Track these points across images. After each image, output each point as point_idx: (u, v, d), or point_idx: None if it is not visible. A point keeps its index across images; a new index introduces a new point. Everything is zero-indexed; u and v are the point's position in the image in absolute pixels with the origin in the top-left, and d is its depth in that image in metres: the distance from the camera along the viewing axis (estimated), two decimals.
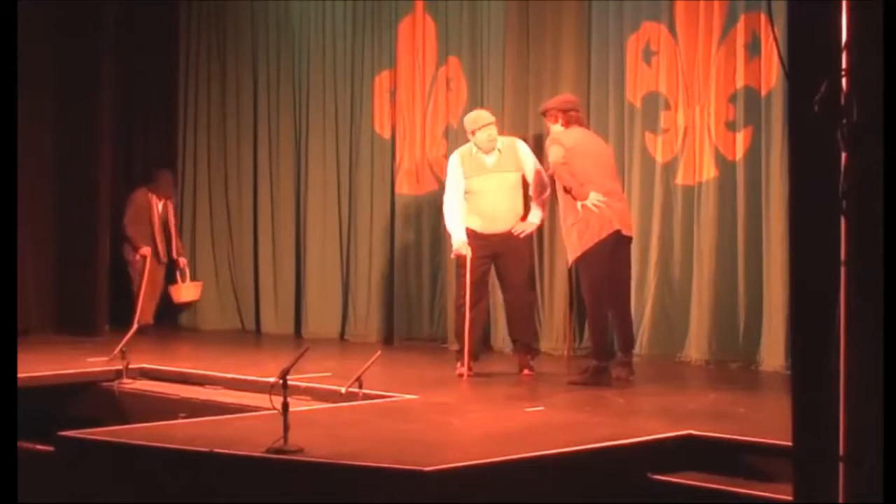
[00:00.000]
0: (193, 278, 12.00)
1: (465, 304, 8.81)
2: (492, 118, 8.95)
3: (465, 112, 10.00)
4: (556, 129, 8.53)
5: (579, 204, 8.25)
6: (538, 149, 9.84)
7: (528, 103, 10.20)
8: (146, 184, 11.86)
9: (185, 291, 11.90)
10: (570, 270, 9.25)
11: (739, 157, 9.22)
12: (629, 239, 8.54)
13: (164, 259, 11.79)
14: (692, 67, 9.41)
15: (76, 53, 11.42)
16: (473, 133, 8.83)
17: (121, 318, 11.16)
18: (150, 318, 11.62)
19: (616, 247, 8.35)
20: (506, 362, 9.39)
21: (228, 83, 12.09)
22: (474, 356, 8.86)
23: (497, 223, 8.79)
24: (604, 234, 8.25)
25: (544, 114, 8.69)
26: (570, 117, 8.51)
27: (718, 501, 5.93)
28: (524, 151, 8.96)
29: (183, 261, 11.89)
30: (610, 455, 6.25)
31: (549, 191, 8.93)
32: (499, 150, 8.84)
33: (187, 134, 12.26)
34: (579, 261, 8.36)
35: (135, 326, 11.26)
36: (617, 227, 8.31)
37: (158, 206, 11.77)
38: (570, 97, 8.85)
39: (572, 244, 8.34)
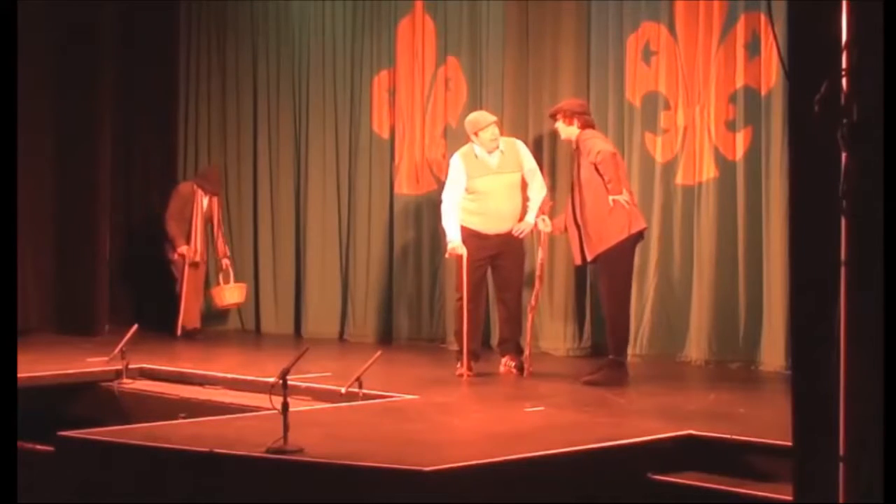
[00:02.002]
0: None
1: (463, 303, 8.82)
2: (493, 118, 8.99)
3: (465, 112, 10.01)
4: (572, 130, 8.52)
5: (611, 199, 8.26)
6: (538, 149, 9.86)
7: (527, 103, 10.21)
8: (193, 177, 11.62)
9: (229, 294, 11.39)
10: (542, 266, 9.23)
11: (739, 157, 9.22)
12: (643, 239, 8.63)
13: (203, 258, 11.39)
14: (692, 67, 9.41)
15: (76, 54, 11.41)
16: (476, 134, 8.85)
17: (121, 318, 11.14)
18: (196, 323, 11.32)
19: (635, 244, 8.46)
20: None
21: (228, 83, 12.08)
22: (474, 356, 8.87)
23: (501, 223, 8.83)
24: (634, 230, 8.32)
25: (554, 116, 8.68)
26: (585, 120, 8.54)
27: (718, 501, 5.93)
28: (524, 152, 9.02)
29: (226, 262, 11.45)
30: (610, 455, 6.25)
31: (546, 191, 9.00)
32: (501, 150, 8.87)
33: (188, 134, 12.26)
34: (604, 255, 8.34)
35: (178, 331, 11.08)
36: (643, 224, 8.43)
37: (203, 201, 11.32)
38: (581, 101, 8.92)
39: (599, 238, 8.30)
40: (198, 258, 11.31)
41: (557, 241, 9.83)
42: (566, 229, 8.57)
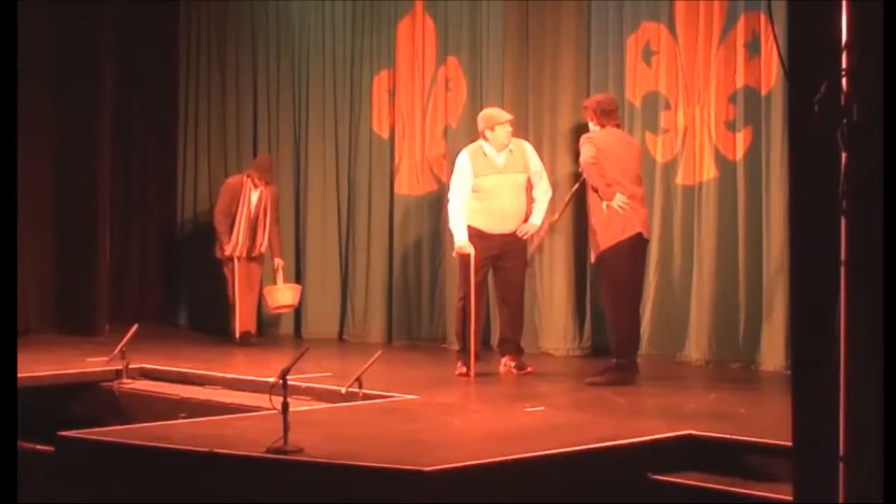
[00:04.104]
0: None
1: (468, 303, 8.81)
2: (509, 116, 8.99)
3: (465, 112, 10.04)
4: (591, 127, 8.57)
5: (604, 204, 8.29)
6: (538, 148, 9.85)
7: (527, 103, 10.21)
8: (245, 169, 11.04)
9: (281, 295, 10.71)
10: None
11: (739, 157, 9.22)
12: (646, 242, 8.63)
13: (255, 255, 10.76)
14: (692, 67, 9.41)
15: (76, 54, 11.41)
16: (492, 129, 8.83)
17: (121, 317, 11.13)
18: (251, 327, 10.83)
19: (635, 249, 8.43)
20: None
21: (228, 83, 12.08)
22: (476, 356, 8.85)
23: (505, 223, 8.83)
24: (625, 235, 8.31)
25: (585, 109, 8.75)
26: (605, 117, 8.52)
27: (718, 501, 5.93)
28: (531, 153, 9.03)
29: (279, 261, 10.87)
30: (610, 455, 6.25)
31: (551, 194, 9.00)
32: (510, 149, 8.86)
33: (187, 134, 12.26)
34: (599, 259, 8.41)
35: (236, 336, 10.58)
36: (639, 229, 8.39)
37: (254, 195, 10.72)
38: (608, 97, 8.84)
39: (595, 242, 8.41)
40: (236, 253, 10.68)
41: (557, 241, 9.84)
42: None
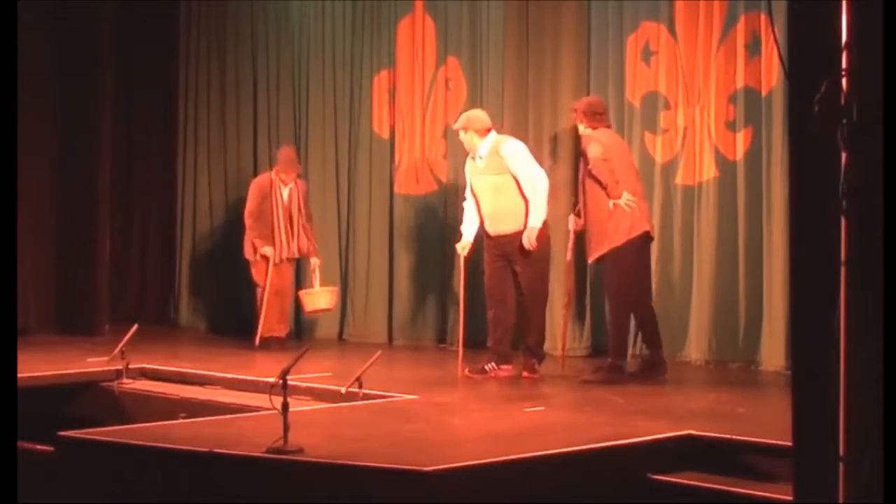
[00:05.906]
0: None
1: (463, 305, 8.87)
2: (458, 123, 8.98)
3: (464, 112, 10.01)
4: (581, 129, 8.60)
5: (611, 202, 8.29)
6: (538, 148, 9.85)
7: (527, 103, 10.21)
8: (271, 167, 10.64)
9: (318, 298, 10.25)
10: (569, 266, 9.24)
11: (739, 157, 9.22)
12: (652, 240, 8.67)
13: (290, 257, 10.37)
14: (692, 67, 9.42)
15: (76, 54, 11.41)
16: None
17: (121, 318, 11.13)
18: (282, 332, 10.46)
19: (642, 248, 8.47)
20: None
21: (228, 83, 12.08)
22: (505, 359, 8.83)
23: (492, 224, 8.82)
24: (634, 234, 8.33)
25: (575, 111, 8.78)
26: (595, 120, 8.57)
27: (718, 501, 5.93)
28: (508, 153, 8.78)
29: (315, 261, 10.41)
30: (610, 455, 6.25)
31: (544, 192, 8.77)
32: (480, 155, 8.82)
33: (187, 134, 12.25)
34: (605, 258, 8.40)
35: (256, 341, 10.22)
36: (647, 227, 8.44)
37: (284, 192, 10.31)
38: (596, 100, 8.91)
39: (599, 241, 8.38)
40: (284, 255, 10.28)
41: (557, 242, 9.83)
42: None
